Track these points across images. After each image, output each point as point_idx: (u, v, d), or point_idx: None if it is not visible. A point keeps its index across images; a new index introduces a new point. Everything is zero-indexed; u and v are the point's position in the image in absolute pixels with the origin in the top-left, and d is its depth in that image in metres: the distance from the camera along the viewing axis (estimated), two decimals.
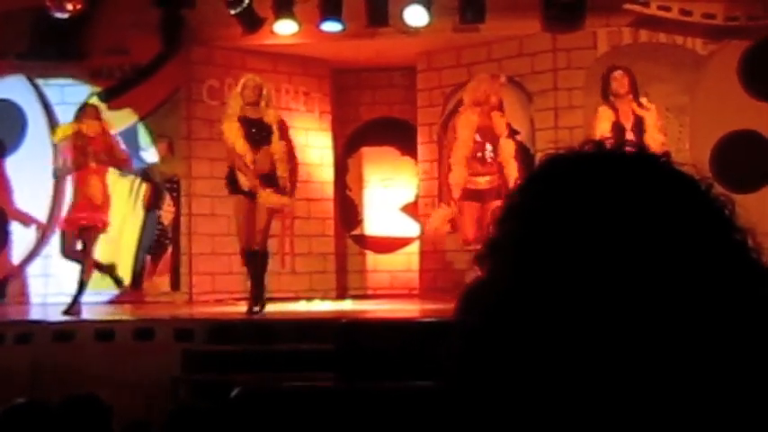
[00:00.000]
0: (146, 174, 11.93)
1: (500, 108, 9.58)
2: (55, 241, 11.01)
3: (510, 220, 1.03)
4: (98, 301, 11.28)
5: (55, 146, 10.19)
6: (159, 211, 11.87)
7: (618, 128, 8.82)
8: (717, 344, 0.92)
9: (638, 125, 8.91)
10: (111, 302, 11.46)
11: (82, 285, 9.70)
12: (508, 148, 9.46)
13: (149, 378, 7.81)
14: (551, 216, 0.97)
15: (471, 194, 9.33)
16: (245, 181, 9.12)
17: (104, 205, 9.82)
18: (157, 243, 11.84)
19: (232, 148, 9.11)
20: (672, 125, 10.60)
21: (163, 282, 11.75)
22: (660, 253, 0.94)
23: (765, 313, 0.95)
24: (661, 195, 0.97)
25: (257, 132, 9.18)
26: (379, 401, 5.07)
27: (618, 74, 9.09)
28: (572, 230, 0.95)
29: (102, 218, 9.81)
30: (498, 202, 9.14)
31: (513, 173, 9.25)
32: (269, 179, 9.15)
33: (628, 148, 1.04)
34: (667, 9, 10.43)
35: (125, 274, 11.79)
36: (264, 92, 9.34)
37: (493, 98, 9.44)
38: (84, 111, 10.11)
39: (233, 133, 9.14)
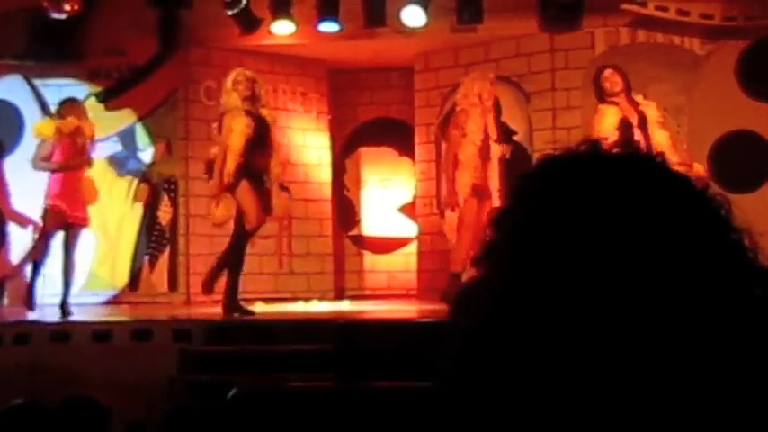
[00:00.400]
0: (143, 174, 11.94)
1: (495, 109, 9.55)
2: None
3: (506, 222, 1.03)
4: (95, 302, 11.28)
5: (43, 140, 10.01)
6: (157, 212, 11.87)
7: (625, 124, 8.80)
8: (713, 344, 0.92)
9: (643, 121, 8.90)
10: (108, 303, 11.47)
11: (68, 285, 9.70)
12: (495, 150, 9.46)
13: (147, 379, 7.80)
14: (547, 218, 0.97)
15: (475, 189, 9.33)
16: (211, 185, 9.01)
17: (87, 204, 9.84)
18: (155, 244, 11.84)
19: (228, 144, 8.90)
20: (669, 125, 10.60)
21: (160, 282, 11.75)
22: (656, 254, 0.94)
23: (761, 312, 0.95)
24: (657, 196, 0.97)
25: (260, 130, 9.09)
26: (377, 402, 5.07)
27: (608, 73, 9.06)
28: (568, 232, 0.96)
29: (87, 216, 9.82)
30: (491, 203, 9.15)
31: (495, 176, 9.28)
32: (259, 180, 9.08)
33: (623, 149, 1.05)
34: (665, 9, 10.43)
35: (122, 274, 11.81)
36: (257, 88, 9.22)
37: (486, 97, 9.40)
38: (80, 107, 10.06)
39: (242, 127, 8.98)
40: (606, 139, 8.26)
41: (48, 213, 9.65)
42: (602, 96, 8.98)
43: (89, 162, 9.84)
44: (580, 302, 0.93)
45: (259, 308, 9.91)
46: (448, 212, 9.72)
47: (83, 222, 9.77)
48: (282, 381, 6.80)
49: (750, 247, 0.99)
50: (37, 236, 10.10)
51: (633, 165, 1.02)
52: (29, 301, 9.66)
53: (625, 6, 10.43)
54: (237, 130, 8.89)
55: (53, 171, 9.66)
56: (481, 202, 9.24)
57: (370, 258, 13.10)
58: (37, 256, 9.86)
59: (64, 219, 9.58)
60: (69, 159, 9.64)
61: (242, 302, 9.19)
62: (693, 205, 1.00)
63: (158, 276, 11.76)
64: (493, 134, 9.47)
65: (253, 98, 9.06)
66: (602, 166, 1.02)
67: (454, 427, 0.99)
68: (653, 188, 0.99)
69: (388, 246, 13.02)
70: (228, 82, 9.11)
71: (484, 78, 9.55)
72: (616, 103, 8.91)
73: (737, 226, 1.01)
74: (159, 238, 11.83)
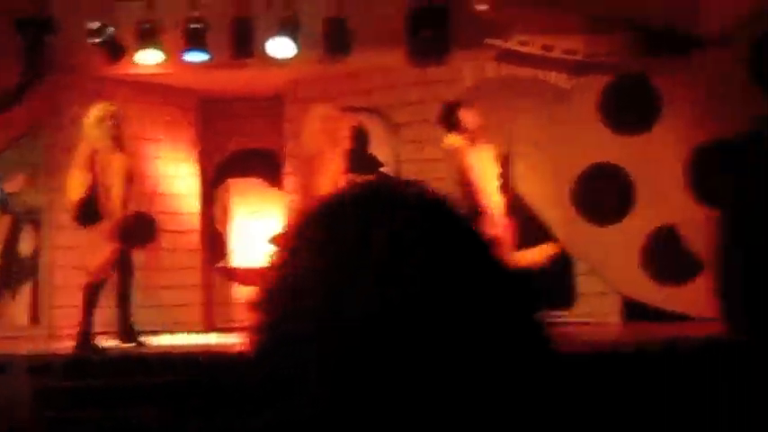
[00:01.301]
0: (5, 204, 11.64)
1: (350, 141, 8.96)
2: None
3: (284, 266, 1.05)
4: None
5: None
6: (18, 243, 11.58)
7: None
8: (467, 349, 0.96)
9: None
10: None
11: None
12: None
13: (3, 416, 7.59)
14: (316, 258, 0.99)
15: None
16: (105, 229, 8.84)
17: None
18: (16, 275, 11.52)
19: (111, 184, 8.76)
20: (534, 158, 10.79)
21: (20, 315, 11.43)
22: (420, 279, 0.96)
23: (513, 314, 0.99)
24: (437, 237, 1.00)
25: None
26: None
27: (467, 108, 9.06)
28: (340, 274, 0.97)
29: None
30: None
31: None
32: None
33: (410, 188, 1.07)
34: (528, 44, 10.64)
35: None
36: (121, 125, 9.08)
37: (335, 132, 8.79)
38: None
39: (124, 169, 8.85)
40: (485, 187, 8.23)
41: None
42: (464, 129, 8.93)
43: None
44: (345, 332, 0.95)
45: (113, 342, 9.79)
46: None
47: None
48: (142, 415, 6.70)
49: (498, 257, 1.04)
50: None
51: (422, 206, 1.05)
52: None
53: (489, 41, 10.59)
54: (119, 172, 8.76)
55: None
56: None
57: (240, 290, 12.98)
58: None
59: None
60: None
61: (95, 340, 9.10)
62: (466, 245, 1.03)
63: (19, 309, 11.45)
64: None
65: (120, 137, 8.94)
66: (386, 207, 1.05)
67: None
68: (432, 228, 1.02)
69: (258, 277, 12.91)
70: (92, 117, 8.93)
71: (329, 113, 9.03)
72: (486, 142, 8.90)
73: (501, 262, 1.04)
74: (20, 270, 11.53)
